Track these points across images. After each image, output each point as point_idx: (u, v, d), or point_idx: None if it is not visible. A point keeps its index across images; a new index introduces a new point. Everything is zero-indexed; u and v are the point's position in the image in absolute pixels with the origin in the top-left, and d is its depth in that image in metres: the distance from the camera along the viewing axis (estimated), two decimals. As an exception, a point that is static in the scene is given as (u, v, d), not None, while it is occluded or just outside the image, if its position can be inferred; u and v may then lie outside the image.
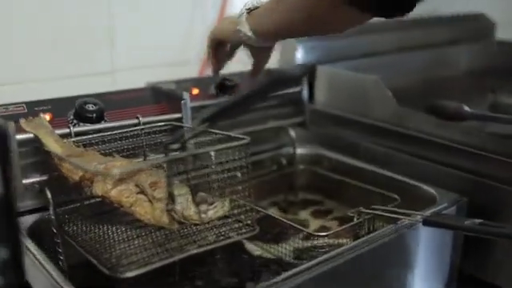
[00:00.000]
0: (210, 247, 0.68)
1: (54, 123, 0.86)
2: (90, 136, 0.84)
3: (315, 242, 0.88)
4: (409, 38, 1.51)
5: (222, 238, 0.71)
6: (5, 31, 1.00)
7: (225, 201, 0.72)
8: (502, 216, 0.87)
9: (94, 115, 0.88)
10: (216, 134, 0.77)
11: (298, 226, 0.84)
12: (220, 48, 0.91)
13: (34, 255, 0.71)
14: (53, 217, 0.78)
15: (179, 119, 0.93)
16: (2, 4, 0.99)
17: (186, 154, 0.66)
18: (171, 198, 0.67)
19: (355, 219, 0.84)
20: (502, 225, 0.71)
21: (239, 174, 0.72)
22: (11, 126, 0.77)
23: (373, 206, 0.85)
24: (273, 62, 1.30)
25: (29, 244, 0.74)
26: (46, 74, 1.05)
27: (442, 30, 1.63)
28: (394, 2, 0.64)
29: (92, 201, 0.79)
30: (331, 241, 0.88)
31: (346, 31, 1.36)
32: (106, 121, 0.89)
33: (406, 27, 1.52)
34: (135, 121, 0.89)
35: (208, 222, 0.72)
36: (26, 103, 0.87)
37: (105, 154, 0.82)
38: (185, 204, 0.70)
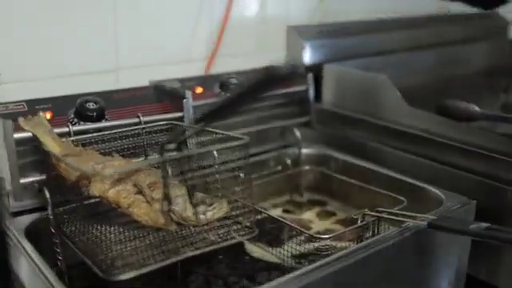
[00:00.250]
0: (206, 250, 0.67)
1: (54, 122, 0.85)
2: (90, 135, 0.83)
3: (317, 245, 0.86)
4: (420, 36, 1.48)
5: (219, 240, 0.69)
6: (6, 30, 0.99)
7: (224, 202, 0.71)
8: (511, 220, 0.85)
9: (95, 114, 0.87)
10: (216, 133, 0.76)
11: (300, 228, 0.82)
12: None
13: (30, 256, 0.70)
14: (51, 217, 0.77)
15: (181, 118, 0.91)
16: (4, 2, 0.99)
17: (181, 155, 0.65)
18: (167, 198, 0.65)
19: (359, 222, 0.82)
20: (510, 230, 0.68)
21: (238, 175, 0.71)
22: (9, 124, 0.76)
23: (377, 209, 0.83)
24: (280, 60, 1.30)
25: (25, 244, 0.73)
26: (48, 72, 1.04)
27: (454, 29, 1.60)
28: None
29: (91, 201, 0.78)
30: (334, 243, 0.86)
31: (356, 29, 1.35)
32: (106, 119, 0.88)
33: (418, 25, 1.50)
34: (136, 120, 0.88)
35: (207, 224, 0.71)
36: (26, 101, 0.87)
37: (104, 154, 0.81)
38: (183, 205, 0.69)
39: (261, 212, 0.87)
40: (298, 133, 1.09)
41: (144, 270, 0.63)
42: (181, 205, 0.69)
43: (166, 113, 0.93)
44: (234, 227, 0.71)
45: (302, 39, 1.23)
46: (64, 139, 0.79)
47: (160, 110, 0.94)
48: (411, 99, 1.08)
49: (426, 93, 1.28)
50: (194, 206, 0.67)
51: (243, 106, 0.57)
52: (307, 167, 1.11)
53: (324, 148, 1.12)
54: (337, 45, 1.28)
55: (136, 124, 0.88)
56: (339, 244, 0.86)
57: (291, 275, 0.68)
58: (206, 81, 1.06)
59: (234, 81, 1.03)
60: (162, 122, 0.88)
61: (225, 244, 0.69)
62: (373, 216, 0.81)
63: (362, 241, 0.81)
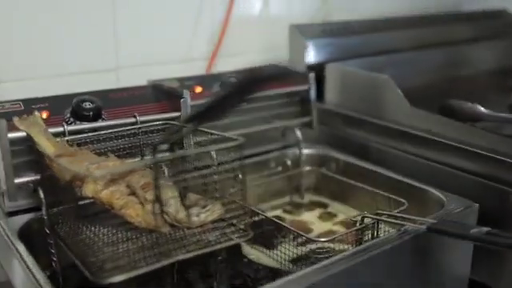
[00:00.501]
0: (198, 253, 0.65)
1: (50, 121, 0.84)
2: (85, 135, 0.82)
3: (315, 247, 0.84)
4: (427, 35, 1.46)
5: (213, 243, 0.68)
6: (6, 29, 0.99)
7: (218, 204, 0.69)
8: (515, 224, 0.83)
9: (91, 113, 0.86)
10: (211, 134, 0.74)
11: (297, 231, 0.81)
12: None
13: (22, 258, 0.70)
14: (45, 217, 0.76)
15: (178, 118, 0.90)
16: (5, 2, 0.98)
17: (173, 156, 0.64)
18: (158, 200, 0.64)
19: (358, 224, 0.80)
20: (511, 235, 0.66)
21: (233, 176, 0.70)
22: (3, 124, 0.76)
23: (377, 211, 0.82)
24: (284, 59, 1.29)
25: (18, 246, 0.73)
26: (48, 71, 1.04)
27: (462, 28, 1.58)
28: None
29: (86, 201, 0.77)
30: (333, 246, 0.85)
31: (360, 28, 1.33)
32: (103, 119, 0.88)
33: (424, 24, 1.48)
34: (133, 119, 0.87)
35: (200, 226, 0.69)
36: (22, 101, 0.86)
37: (100, 154, 0.80)
38: (177, 207, 0.68)
39: (258, 214, 0.86)
40: (298, 133, 1.07)
41: (134, 273, 0.62)
42: (174, 206, 0.68)
43: (163, 112, 0.92)
44: (228, 230, 0.70)
45: (304, 38, 1.22)
46: (58, 139, 0.79)
47: (158, 110, 0.93)
48: (416, 99, 1.06)
49: (432, 93, 1.26)
50: (187, 207, 0.66)
51: (230, 107, 0.55)
52: (308, 168, 1.09)
53: (325, 148, 1.11)
54: (340, 44, 1.26)
55: (132, 124, 0.87)
56: (338, 246, 0.84)
57: (288, 278, 0.67)
58: (205, 80, 1.04)
59: (233, 80, 1.02)
60: (158, 122, 0.87)
61: (218, 247, 0.68)
62: (372, 218, 0.80)
63: (361, 243, 0.80)
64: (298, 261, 0.84)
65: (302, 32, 1.23)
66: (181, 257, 0.64)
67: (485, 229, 0.69)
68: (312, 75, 1.11)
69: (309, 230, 0.97)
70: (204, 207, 0.69)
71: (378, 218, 0.79)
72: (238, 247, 0.86)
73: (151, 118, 0.88)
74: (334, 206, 1.06)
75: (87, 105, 0.86)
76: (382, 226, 0.81)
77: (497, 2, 1.68)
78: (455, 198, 0.87)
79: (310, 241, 0.84)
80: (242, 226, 0.70)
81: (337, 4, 1.40)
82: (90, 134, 0.82)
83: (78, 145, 0.81)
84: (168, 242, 0.68)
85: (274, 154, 1.09)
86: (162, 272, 0.78)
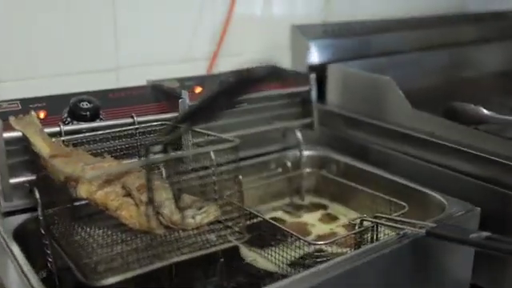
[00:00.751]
0: (193, 255, 0.65)
1: (48, 121, 0.84)
2: (82, 135, 0.81)
3: (313, 250, 0.83)
4: (430, 36, 1.45)
5: (208, 245, 0.67)
6: (7, 28, 0.99)
7: (213, 206, 0.68)
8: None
9: (88, 113, 0.86)
10: (208, 135, 0.74)
11: (295, 234, 0.80)
12: None
13: (16, 258, 0.69)
14: (41, 218, 0.76)
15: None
16: (5, 1, 0.98)
17: (166, 157, 0.63)
18: (151, 202, 0.63)
19: (357, 227, 0.79)
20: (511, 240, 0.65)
21: (228, 178, 0.69)
22: (-2, 123, 0.76)
23: (376, 214, 0.81)
24: (287, 61, 1.28)
25: (13, 247, 0.72)
26: (47, 71, 1.04)
27: (467, 29, 1.56)
28: None
29: (82, 202, 0.76)
30: (331, 249, 0.84)
31: (362, 29, 1.32)
32: (101, 119, 0.87)
33: (427, 25, 1.47)
34: (130, 120, 0.86)
35: (196, 228, 0.69)
36: (20, 100, 0.86)
37: (96, 154, 0.79)
38: (172, 208, 0.67)
39: (256, 216, 0.85)
40: (299, 134, 1.06)
41: (127, 275, 0.61)
42: (169, 208, 0.67)
43: (162, 113, 0.92)
44: (224, 232, 0.69)
45: (306, 39, 1.21)
46: (54, 139, 0.78)
47: (157, 110, 0.92)
48: (418, 101, 1.05)
49: (435, 95, 1.25)
50: (181, 209, 0.65)
51: (220, 108, 0.54)
52: (308, 170, 1.08)
53: (326, 150, 1.10)
54: (342, 45, 1.26)
55: (130, 124, 0.86)
56: (336, 250, 0.83)
57: (285, 282, 0.66)
58: (206, 80, 1.04)
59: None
60: (156, 123, 0.86)
61: (213, 249, 0.67)
62: (371, 222, 0.79)
63: (359, 247, 0.79)
64: (296, 264, 0.83)
65: (303, 32, 1.22)
66: (175, 259, 0.64)
67: (485, 234, 0.67)
68: (313, 76, 1.10)
69: (307, 232, 0.96)
70: (200, 209, 0.68)
71: (376, 221, 0.79)
72: (235, 250, 0.85)
73: (149, 119, 0.88)
74: (335, 208, 1.05)
75: (85, 105, 0.86)
76: (382, 229, 0.80)
77: (503, 3, 1.66)
78: (456, 202, 0.86)
79: (308, 244, 0.82)
80: (237, 229, 0.69)
81: (339, 4, 1.39)
82: (87, 135, 0.82)
83: (74, 145, 0.80)
84: (162, 244, 0.67)
85: (274, 155, 1.08)
86: (160, 275, 0.78)
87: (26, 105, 0.85)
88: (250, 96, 0.94)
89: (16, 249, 0.72)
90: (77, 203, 0.76)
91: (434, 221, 0.76)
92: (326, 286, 0.67)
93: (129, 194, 0.71)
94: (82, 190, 0.70)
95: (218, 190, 0.70)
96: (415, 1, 1.53)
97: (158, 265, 0.63)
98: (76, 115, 0.85)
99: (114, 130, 0.83)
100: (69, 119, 0.85)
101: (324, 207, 1.06)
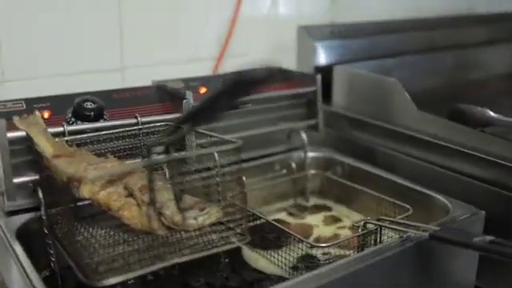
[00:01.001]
0: (195, 256, 0.65)
1: (52, 121, 0.84)
2: (85, 135, 0.81)
3: (315, 252, 0.83)
4: (437, 37, 1.44)
5: (209, 246, 0.67)
6: (12, 28, 0.99)
7: (216, 207, 0.68)
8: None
9: (92, 113, 0.86)
10: (210, 136, 0.74)
11: (298, 236, 0.79)
12: None
13: (18, 258, 0.69)
14: (44, 217, 0.76)
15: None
16: (9, 1, 0.98)
17: (168, 158, 0.63)
18: (153, 203, 0.63)
19: (360, 230, 0.79)
20: (516, 244, 0.64)
21: (230, 180, 0.69)
22: (2, 123, 0.76)
23: (380, 217, 0.80)
24: (292, 62, 1.27)
25: (15, 246, 0.72)
26: (53, 71, 1.04)
27: (474, 30, 1.55)
28: None
29: (85, 202, 0.77)
30: (335, 251, 0.84)
31: (369, 30, 1.32)
32: (105, 119, 0.87)
33: (435, 26, 1.46)
34: (134, 120, 0.86)
35: (198, 229, 0.68)
36: (24, 100, 0.86)
37: (99, 155, 0.80)
38: (174, 209, 0.67)
39: (259, 217, 0.85)
40: (304, 136, 1.06)
41: (128, 276, 0.61)
42: (171, 209, 0.67)
43: (166, 113, 0.91)
44: (226, 233, 0.69)
45: (312, 40, 1.21)
46: (58, 139, 0.78)
47: (161, 111, 0.92)
48: (424, 103, 1.04)
49: (442, 96, 1.24)
50: (182, 210, 0.65)
51: (221, 109, 0.54)
52: (313, 171, 1.07)
53: (330, 152, 1.09)
54: (348, 46, 1.25)
55: (134, 124, 0.86)
56: (339, 252, 0.83)
57: (287, 284, 0.66)
58: (211, 81, 1.03)
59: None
60: (160, 123, 0.86)
61: (214, 251, 0.67)
62: (374, 224, 0.78)
63: (363, 249, 0.78)
64: (299, 266, 0.82)
65: (310, 33, 1.21)
66: (176, 260, 0.63)
67: (488, 237, 0.67)
68: (319, 77, 1.10)
69: (310, 234, 0.96)
70: (202, 210, 0.68)
71: (380, 224, 0.78)
72: (238, 251, 0.85)
73: (153, 119, 0.88)
74: (339, 210, 1.04)
75: (89, 105, 0.86)
76: (385, 231, 0.79)
77: (510, 4, 1.65)
78: (461, 205, 0.85)
79: (310, 246, 0.82)
80: (238, 230, 0.69)
81: (345, 5, 1.38)
82: (91, 135, 0.82)
83: (78, 145, 0.80)
84: (164, 244, 0.67)
85: (279, 156, 1.07)
86: (163, 276, 0.78)
87: (31, 105, 0.85)
88: (255, 97, 0.95)
89: (19, 248, 0.72)
90: (79, 203, 0.76)
91: (437, 224, 0.75)
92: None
93: (131, 195, 0.71)
94: (85, 190, 0.70)
95: (221, 192, 0.69)
96: (422, 2, 1.52)
97: (159, 265, 0.63)
98: (80, 115, 0.85)
99: (117, 131, 0.83)
100: (73, 119, 0.85)
101: (328, 209, 1.05)
